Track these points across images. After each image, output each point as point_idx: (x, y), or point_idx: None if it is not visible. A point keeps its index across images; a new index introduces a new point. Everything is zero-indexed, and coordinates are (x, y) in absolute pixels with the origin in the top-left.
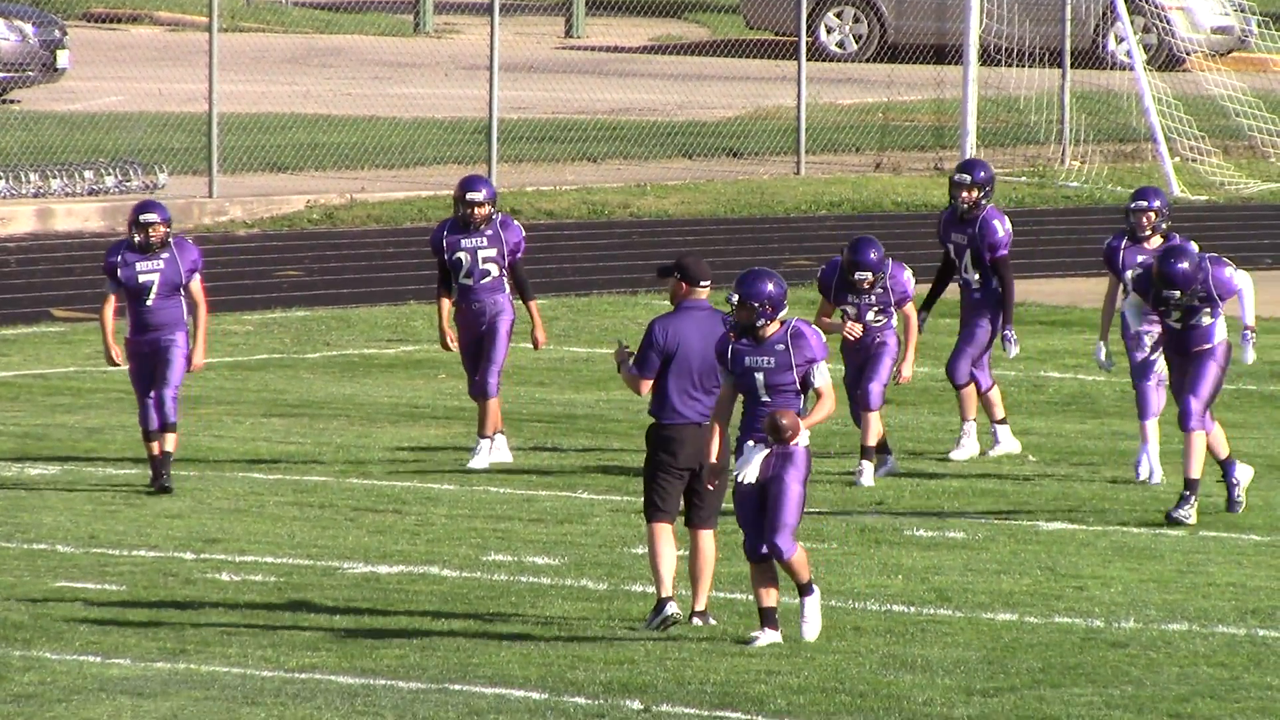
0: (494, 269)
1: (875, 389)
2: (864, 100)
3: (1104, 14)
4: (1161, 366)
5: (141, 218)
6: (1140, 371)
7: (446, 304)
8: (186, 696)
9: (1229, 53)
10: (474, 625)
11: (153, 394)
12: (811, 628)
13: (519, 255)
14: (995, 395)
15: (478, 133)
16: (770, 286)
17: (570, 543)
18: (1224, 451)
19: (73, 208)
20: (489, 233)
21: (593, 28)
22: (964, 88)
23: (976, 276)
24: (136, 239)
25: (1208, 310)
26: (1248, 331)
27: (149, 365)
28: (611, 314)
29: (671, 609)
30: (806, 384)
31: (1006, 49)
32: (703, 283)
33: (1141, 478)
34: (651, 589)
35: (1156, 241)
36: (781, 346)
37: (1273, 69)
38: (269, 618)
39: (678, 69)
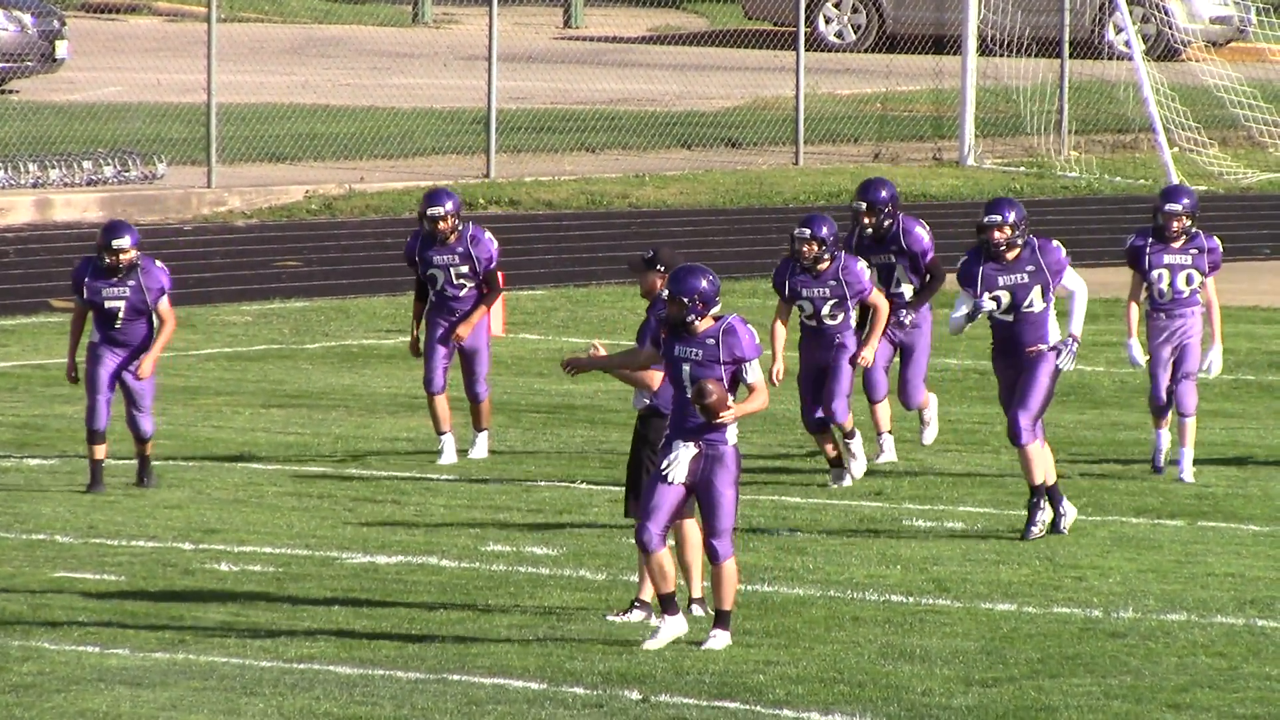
0: (469, 283)
1: (839, 407)
2: (862, 90)
3: (1102, 4)
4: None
5: (113, 243)
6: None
7: (419, 311)
8: (185, 687)
9: (1227, 42)
10: (472, 615)
11: (105, 400)
12: (657, 641)
13: (492, 266)
14: (886, 407)
15: (476, 123)
16: (703, 283)
17: (568, 533)
18: (1051, 477)
19: (71, 198)
20: (459, 249)
21: (591, 18)
22: (962, 78)
23: (909, 290)
24: (105, 261)
25: (1039, 290)
26: (1071, 339)
27: (111, 373)
28: (610, 304)
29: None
30: (736, 382)
31: (1004, 40)
32: None
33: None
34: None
35: (1183, 240)
36: (712, 341)
37: (1271, 58)
38: (267, 608)
39: (676, 59)
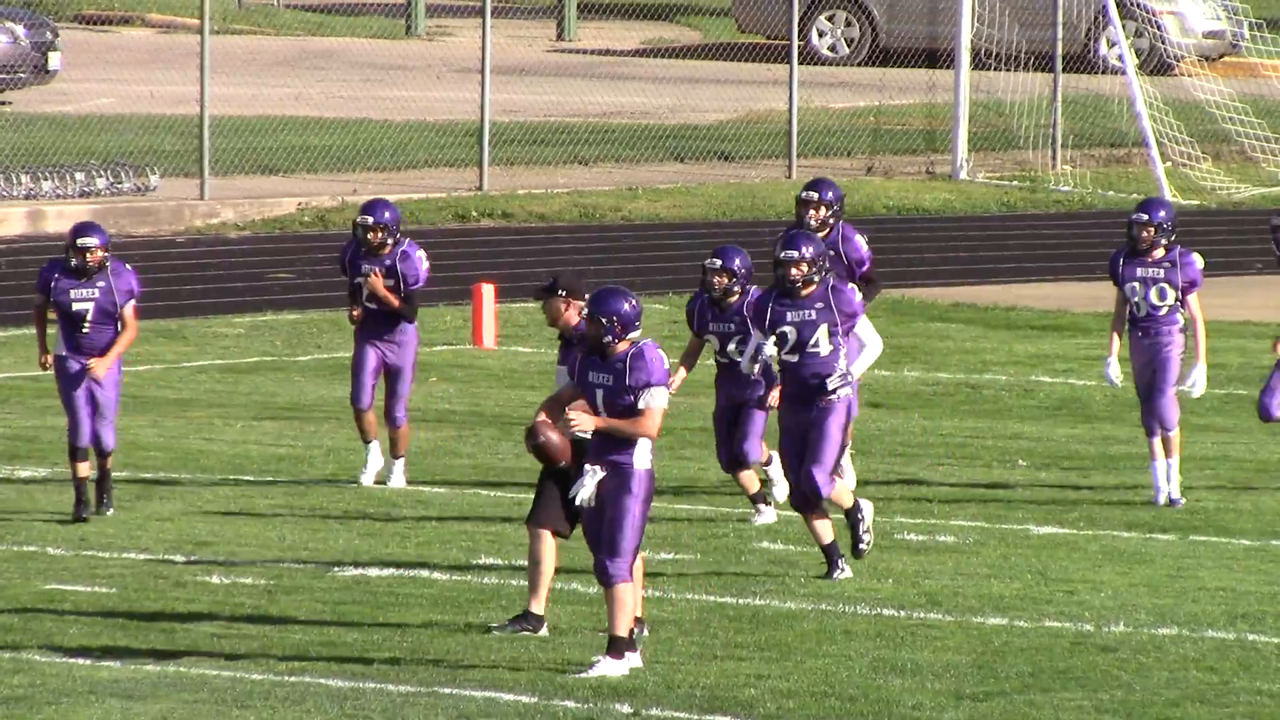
0: (392, 299)
1: (751, 446)
2: (855, 104)
3: (1095, 18)
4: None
5: (79, 241)
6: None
7: (357, 314)
8: (176, 699)
9: (1220, 57)
10: (464, 629)
11: (86, 417)
12: (600, 669)
13: (417, 286)
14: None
15: (469, 135)
16: (624, 306)
17: (560, 546)
18: (848, 501)
19: (64, 209)
20: (388, 262)
21: (584, 31)
22: (955, 92)
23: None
24: (73, 262)
25: (826, 329)
26: (849, 374)
27: (87, 389)
28: None
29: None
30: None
31: (998, 53)
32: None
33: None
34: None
35: (1159, 254)
36: (621, 365)
37: (1263, 73)
38: (259, 621)
39: (669, 72)
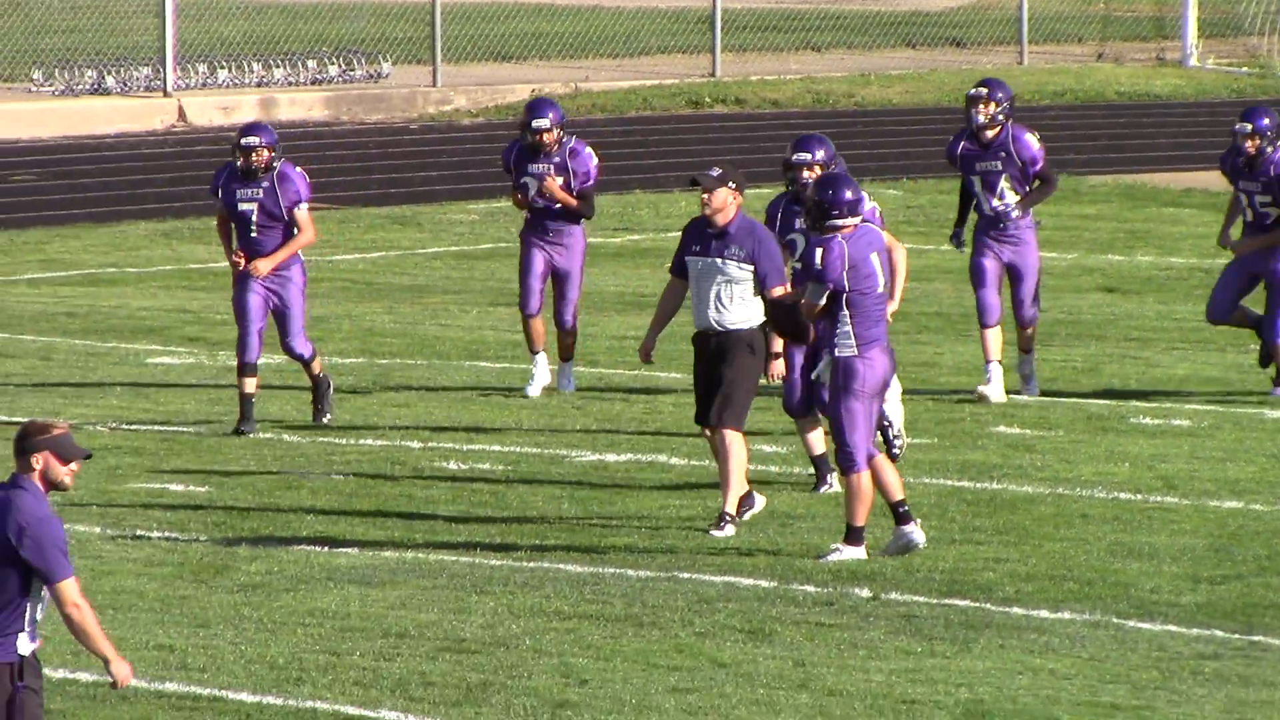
0: (569, 199)
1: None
2: None
3: None
4: None
5: (244, 141)
6: None
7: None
8: (414, 585)
9: None
10: (702, 514)
11: (257, 330)
12: (837, 555)
13: (589, 183)
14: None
15: (701, 22)
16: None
17: (795, 432)
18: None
19: (296, 97)
20: (556, 159)
21: None
22: None
23: (1014, 198)
24: (238, 163)
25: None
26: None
27: (262, 298)
28: None
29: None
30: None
31: None
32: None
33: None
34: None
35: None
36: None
37: None
38: (497, 506)
39: None
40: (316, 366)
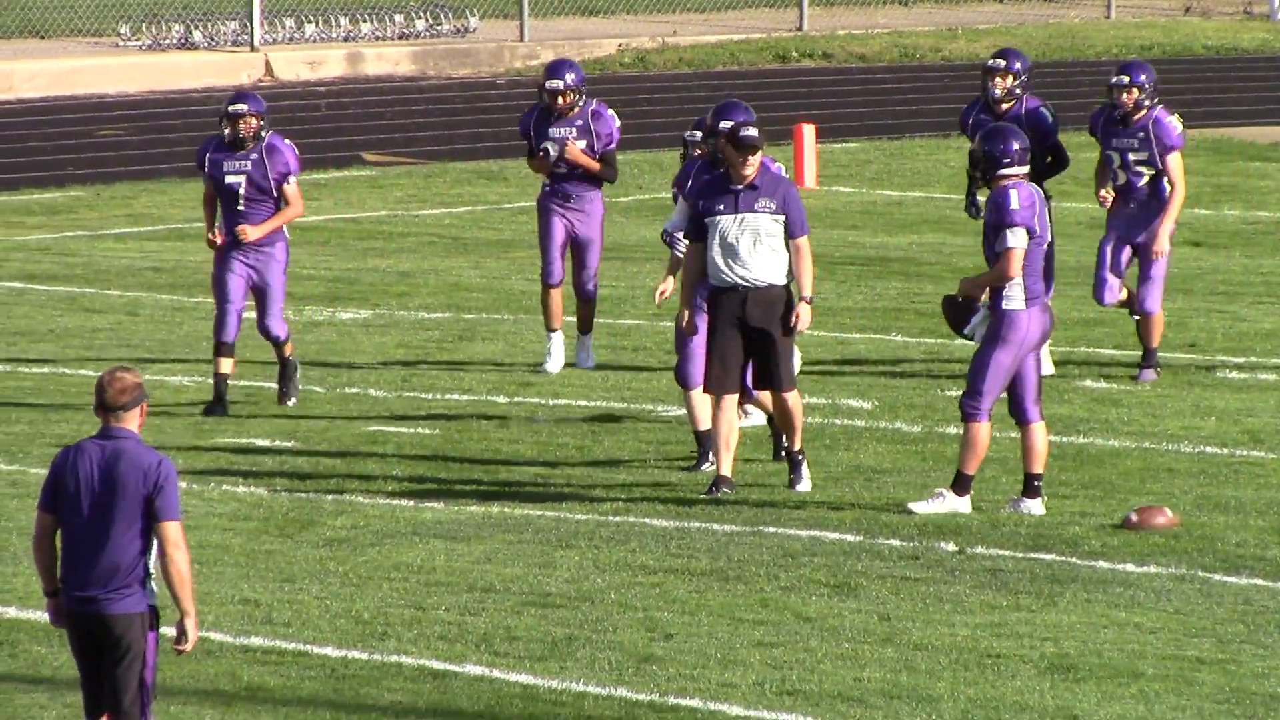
0: (591, 163)
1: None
2: None
3: None
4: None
5: (231, 108)
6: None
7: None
8: (500, 539)
9: None
10: (787, 469)
11: (236, 311)
12: (938, 504)
13: (612, 146)
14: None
15: None
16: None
17: (883, 385)
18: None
19: (383, 51)
20: (579, 122)
21: None
22: None
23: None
24: (225, 133)
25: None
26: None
27: (242, 279)
28: (924, 157)
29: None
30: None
31: None
32: None
33: None
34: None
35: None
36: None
37: None
38: (582, 460)
39: None
40: (288, 349)
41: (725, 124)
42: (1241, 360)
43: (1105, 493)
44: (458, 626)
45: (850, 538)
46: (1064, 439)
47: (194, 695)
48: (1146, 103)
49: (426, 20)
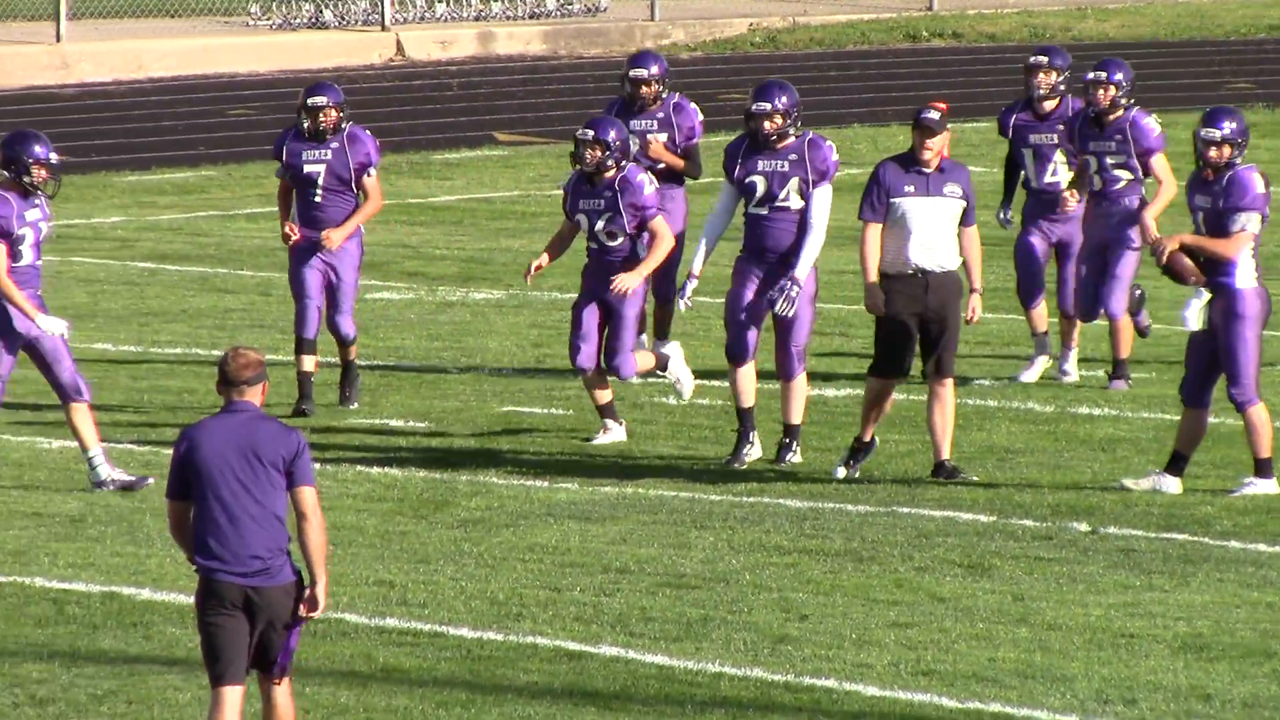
0: (674, 159)
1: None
2: None
3: None
4: None
5: (310, 100)
6: None
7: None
8: (635, 520)
9: None
10: (922, 448)
11: (316, 306)
12: (1248, 489)
13: (694, 140)
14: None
15: None
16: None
17: (1015, 366)
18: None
19: (514, 30)
20: (660, 115)
21: None
22: None
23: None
24: (304, 124)
25: (797, 183)
26: (790, 282)
27: (320, 273)
28: None
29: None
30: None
31: None
32: None
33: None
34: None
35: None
36: (1219, 188)
37: None
38: (717, 441)
39: None
40: (353, 352)
41: (758, 105)
42: None
43: (1237, 472)
44: (593, 607)
45: (983, 518)
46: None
47: (329, 676)
48: (1123, 102)
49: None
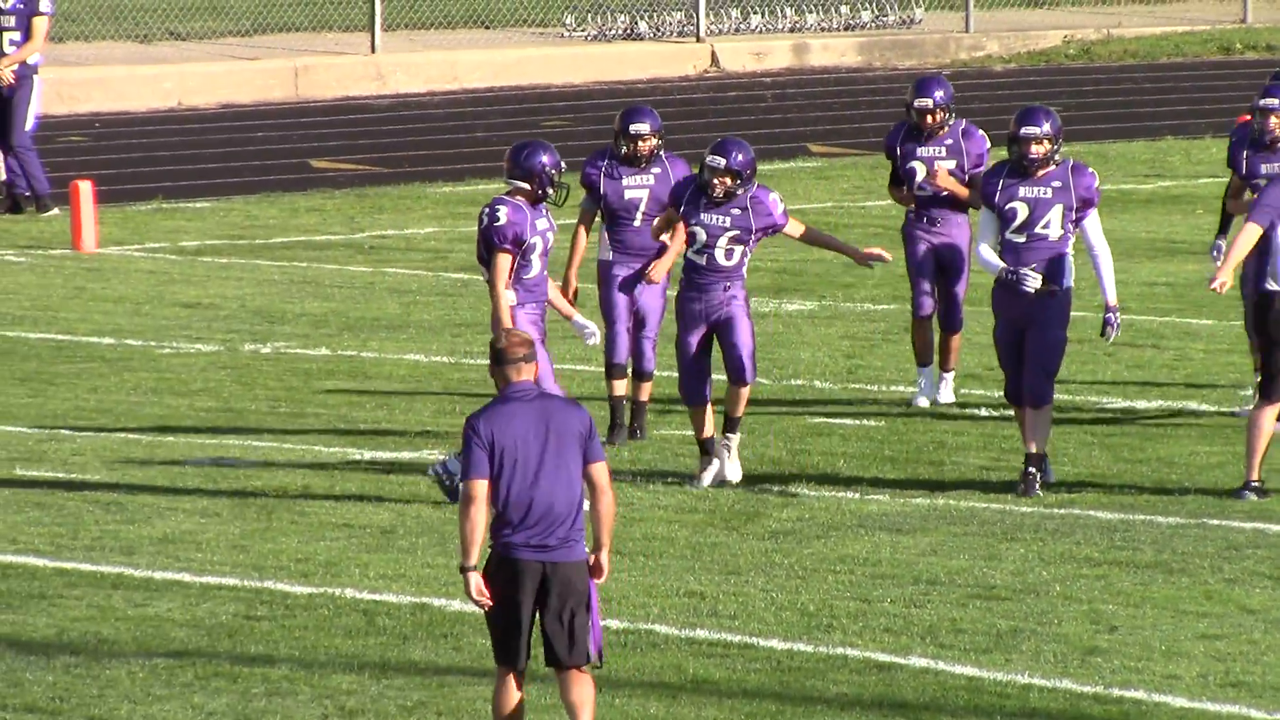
0: (960, 189)
1: (747, 359)
2: None
3: None
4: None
5: (631, 128)
6: None
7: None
8: (945, 532)
9: None
10: (1231, 460)
11: (627, 329)
12: None
13: (981, 168)
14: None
15: None
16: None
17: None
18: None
19: (829, 42)
20: (948, 141)
21: None
22: None
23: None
24: (623, 150)
25: (1061, 210)
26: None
27: (625, 295)
28: None
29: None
30: None
31: None
32: None
33: None
34: None
35: None
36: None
37: None
38: (1021, 453)
39: None
40: (647, 390)
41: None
42: None
43: None
44: (903, 619)
45: None
46: None
47: (639, 688)
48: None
49: (872, 11)
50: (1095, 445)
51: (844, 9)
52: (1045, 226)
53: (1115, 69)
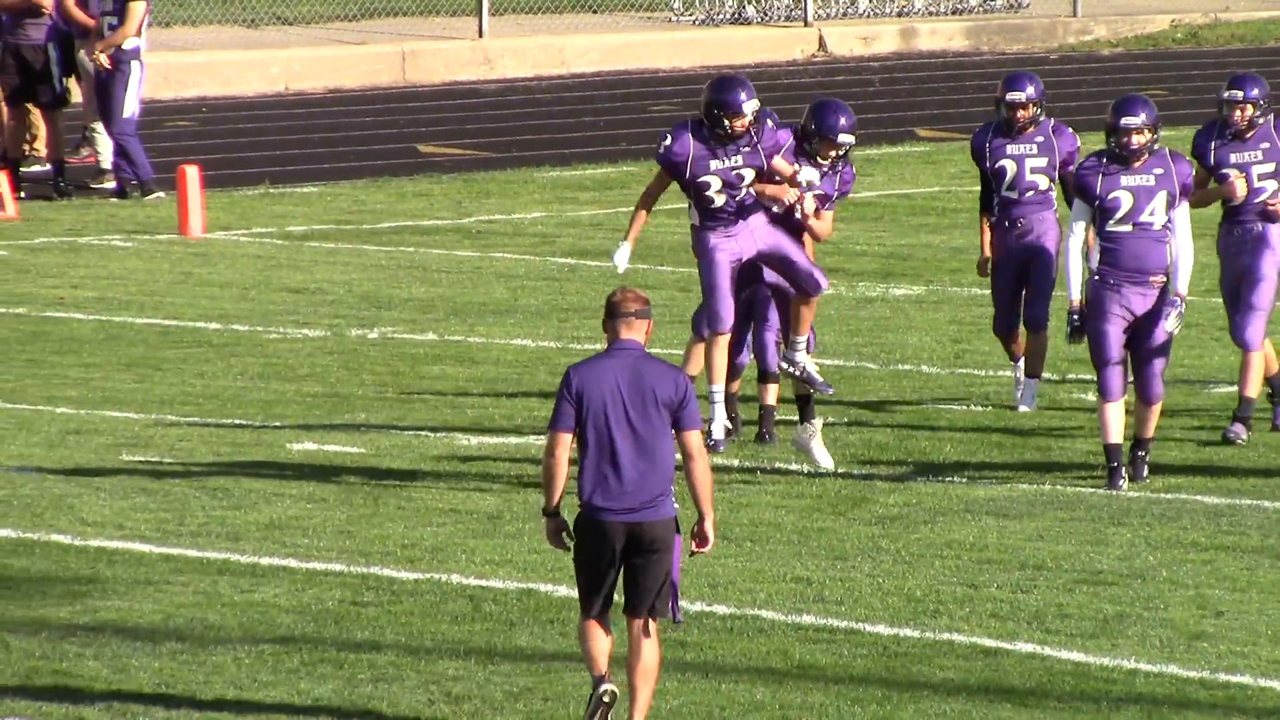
0: (1041, 181)
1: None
2: None
3: None
4: None
5: (1009, 97)
6: None
7: (986, 230)
8: (1052, 517)
9: None
10: None
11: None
12: None
13: (1070, 165)
14: None
15: None
16: None
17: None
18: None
19: (936, 26)
20: (1039, 139)
21: None
22: None
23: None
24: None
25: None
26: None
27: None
28: None
29: None
30: None
31: None
32: None
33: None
34: None
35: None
36: None
37: None
38: (1130, 437)
39: None
40: (771, 393)
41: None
42: None
43: None
44: (1009, 604)
45: None
46: None
47: (746, 673)
48: (1259, 119)
49: None
50: (1203, 430)
51: None
52: (1151, 215)
53: (1222, 53)
